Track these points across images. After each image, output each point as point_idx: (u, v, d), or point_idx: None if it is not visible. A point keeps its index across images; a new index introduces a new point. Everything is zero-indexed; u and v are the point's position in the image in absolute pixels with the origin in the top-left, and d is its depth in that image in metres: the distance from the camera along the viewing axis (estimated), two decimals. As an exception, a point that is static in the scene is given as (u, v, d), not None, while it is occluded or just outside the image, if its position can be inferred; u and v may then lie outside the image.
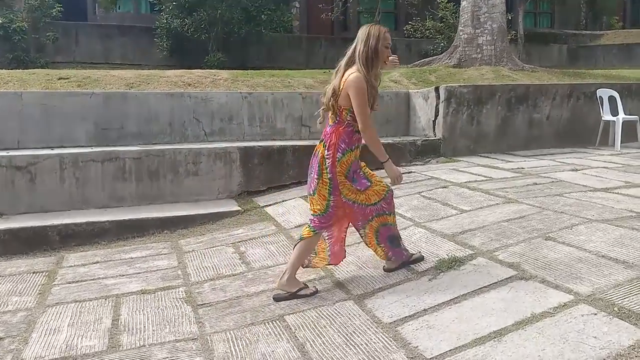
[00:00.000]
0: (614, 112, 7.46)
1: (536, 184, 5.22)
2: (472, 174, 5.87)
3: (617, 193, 4.70)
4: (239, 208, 5.50)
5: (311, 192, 3.23)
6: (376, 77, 3.18)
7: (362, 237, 3.47)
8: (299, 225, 4.88)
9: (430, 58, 10.96)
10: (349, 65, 3.10)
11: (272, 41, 14.67)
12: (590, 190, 4.84)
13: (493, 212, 4.35)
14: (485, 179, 5.58)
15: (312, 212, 3.28)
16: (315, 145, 3.29)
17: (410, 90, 7.68)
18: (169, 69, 8.74)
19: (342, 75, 3.09)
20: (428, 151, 6.90)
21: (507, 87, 7.38)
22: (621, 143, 7.28)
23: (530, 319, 2.65)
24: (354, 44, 3.13)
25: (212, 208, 5.43)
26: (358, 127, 3.12)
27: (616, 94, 7.43)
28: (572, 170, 5.83)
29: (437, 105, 7.09)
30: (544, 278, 3.04)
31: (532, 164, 6.37)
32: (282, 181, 6.08)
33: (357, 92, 3.00)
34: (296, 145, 6.26)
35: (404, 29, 15.55)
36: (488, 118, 7.22)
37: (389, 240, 3.41)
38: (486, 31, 9.62)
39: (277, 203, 5.60)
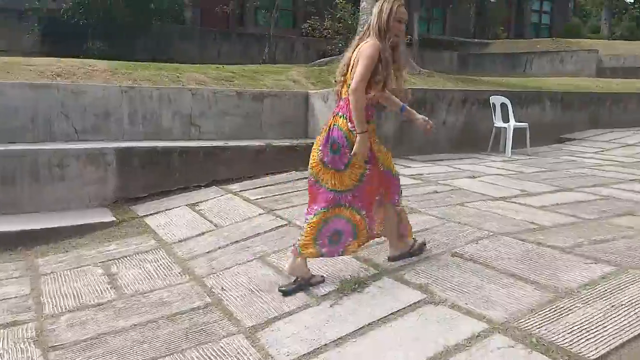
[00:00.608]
0: (506, 119, 7.61)
1: (437, 192, 5.06)
2: (373, 180, 5.62)
3: (515, 202, 4.64)
4: (114, 218, 4.79)
5: (342, 168, 3.02)
6: (397, 56, 3.05)
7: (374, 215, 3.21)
8: (184, 239, 4.31)
9: (329, 58, 10.71)
10: (362, 39, 3.03)
11: (161, 32, 13.69)
12: (490, 199, 4.74)
13: (396, 224, 4.07)
14: (386, 185, 5.34)
15: (340, 189, 3.04)
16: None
17: (309, 91, 7.32)
18: (41, 57, 7.67)
19: (355, 48, 3.02)
20: (327, 155, 6.58)
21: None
22: (512, 149, 7.44)
23: (444, 354, 2.34)
24: (370, 20, 3.05)
25: (81, 219, 4.68)
26: (372, 100, 3.01)
27: (508, 101, 7.59)
28: (470, 177, 5.77)
29: (336, 106, 6.79)
30: (455, 302, 2.76)
31: (430, 170, 6.26)
32: (167, 187, 5.44)
33: (365, 56, 2.90)
34: (184, 147, 5.66)
35: (302, 27, 15.19)
36: (387, 122, 7.03)
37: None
38: (384, 33, 9.51)
39: (159, 212, 4.96)
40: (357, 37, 3.10)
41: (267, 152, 6.01)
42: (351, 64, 2.98)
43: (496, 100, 7.70)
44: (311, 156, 3.09)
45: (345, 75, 3.03)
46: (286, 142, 6.27)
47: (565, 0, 24.82)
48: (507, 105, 7.60)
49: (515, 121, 7.57)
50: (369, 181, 3.08)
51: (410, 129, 7.24)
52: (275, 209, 4.76)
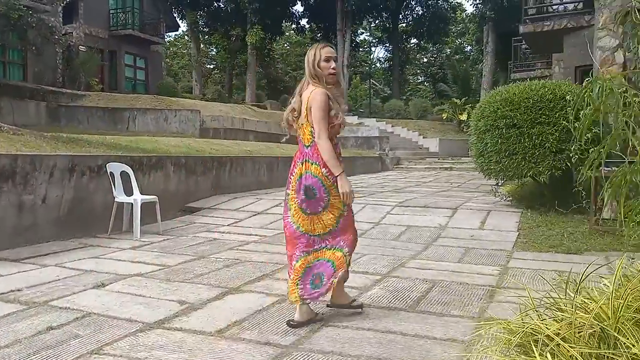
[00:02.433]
0: (129, 191, 6.08)
1: (52, 328, 3.10)
2: None
3: (181, 329, 3.15)
4: None
5: (319, 211, 3.15)
6: (340, 94, 3.24)
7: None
8: None
9: None
10: (303, 87, 3.19)
11: None
12: (143, 330, 3.12)
13: None
14: (-46, 329, 3.04)
15: (321, 232, 3.18)
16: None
17: None
18: None
19: (299, 95, 3.19)
20: None
21: (-16, 157, 4.88)
22: (140, 226, 5.94)
23: None
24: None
25: None
26: (335, 138, 3.18)
27: (129, 170, 6.09)
28: (98, 286, 3.98)
29: None
30: None
31: (32, 277, 4.16)
32: None
33: (318, 104, 3.06)
34: None
35: None
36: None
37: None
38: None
39: None
40: (298, 88, 3.22)
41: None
42: (303, 111, 3.13)
43: (115, 168, 6.10)
44: (290, 204, 3.18)
45: (299, 120, 3.17)
46: None
47: (158, 58, 25.08)
48: (128, 174, 6.09)
49: (139, 191, 6.13)
50: (345, 222, 3.19)
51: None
52: None
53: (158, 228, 6.19)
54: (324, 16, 34.78)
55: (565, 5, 8.65)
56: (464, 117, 24.52)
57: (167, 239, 5.83)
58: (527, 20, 8.68)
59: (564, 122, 6.31)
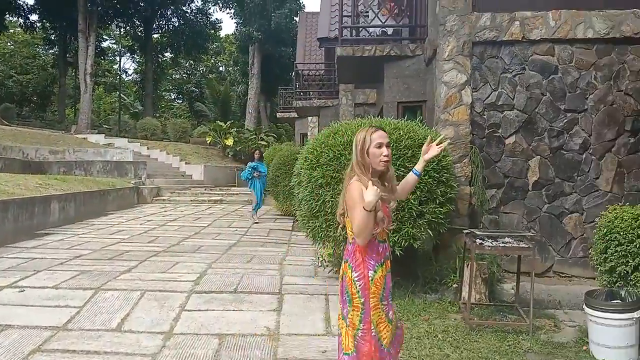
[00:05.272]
0: None
1: None
2: None
3: None
4: None
5: (346, 324, 2.69)
6: (389, 179, 2.75)
7: None
8: None
9: None
10: (349, 175, 2.73)
11: None
12: None
13: None
14: None
15: (344, 352, 2.67)
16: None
17: None
18: None
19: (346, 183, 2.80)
20: None
21: None
22: None
23: None
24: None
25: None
26: (380, 236, 2.65)
27: None
28: None
29: None
30: None
31: None
32: None
33: (352, 205, 2.55)
34: None
35: None
36: None
37: None
38: None
39: None
40: (347, 170, 2.77)
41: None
42: (343, 205, 2.67)
43: None
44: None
45: (343, 214, 2.69)
46: None
47: None
48: None
49: None
50: (361, 346, 2.61)
51: None
52: None
53: None
54: (61, 13, 29.50)
55: (384, 29, 7.41)
56: (229, 142, 22.77)
57: None
58: (346, 43, 7.18)
59: (425, 177, 4.79)
